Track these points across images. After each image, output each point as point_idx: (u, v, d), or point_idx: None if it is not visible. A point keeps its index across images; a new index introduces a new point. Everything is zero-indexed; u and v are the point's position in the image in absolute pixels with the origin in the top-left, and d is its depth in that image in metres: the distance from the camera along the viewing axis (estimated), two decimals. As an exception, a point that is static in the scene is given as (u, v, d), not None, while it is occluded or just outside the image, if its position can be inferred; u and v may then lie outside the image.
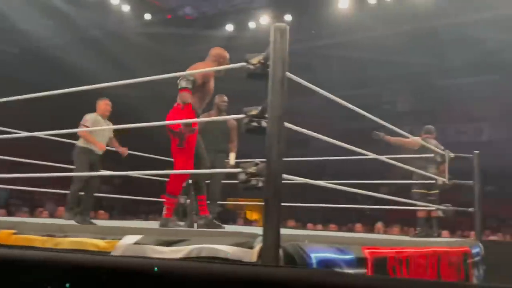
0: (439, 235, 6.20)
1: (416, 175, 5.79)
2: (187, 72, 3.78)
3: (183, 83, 3.69)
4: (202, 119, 4.70)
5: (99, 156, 4.97)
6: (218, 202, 5.21)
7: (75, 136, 5.05)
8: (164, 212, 3.99)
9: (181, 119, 3.73)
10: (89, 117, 4.96)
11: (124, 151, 5.13)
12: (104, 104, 5.10)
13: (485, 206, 5.91)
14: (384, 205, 6.04)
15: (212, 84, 3.99)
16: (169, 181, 4.06)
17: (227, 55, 4.08)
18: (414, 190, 5.97)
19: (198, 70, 3.86)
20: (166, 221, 3.96)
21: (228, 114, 5.00)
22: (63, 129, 3.94)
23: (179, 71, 3.61)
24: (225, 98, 5.25)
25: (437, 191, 5.91)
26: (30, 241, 2.93)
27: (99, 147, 4.89)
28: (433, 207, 5.68)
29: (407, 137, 5.78)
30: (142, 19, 15.05)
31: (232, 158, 5.10)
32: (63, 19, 14.35)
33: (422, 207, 5.76)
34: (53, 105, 11.20)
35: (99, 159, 4.97)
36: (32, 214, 10.31)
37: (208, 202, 4.84)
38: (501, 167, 16.16)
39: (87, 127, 4.86)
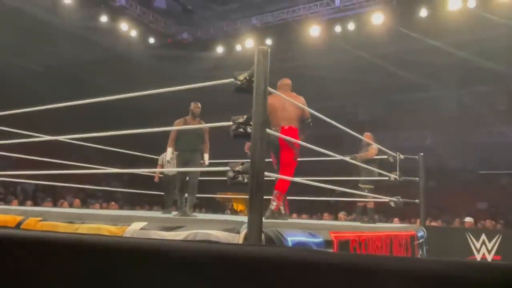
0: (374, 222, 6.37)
1: (364, 173, 5.91)
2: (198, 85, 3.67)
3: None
4: (188, 126, 4.66)
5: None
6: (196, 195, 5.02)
7: (90, 140, 4.97)
8: (273, 206, 3.97)
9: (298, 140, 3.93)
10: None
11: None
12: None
13: (427, 198, 6.00)
14: (346, 198, 6.13)
15: None
16: (283, 182, 4.04)
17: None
18: (361, 185, 6.06)
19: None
20: (273, 214, 3.95)
21: (201, 119, 4.97)
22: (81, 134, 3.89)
23: (176, 86, 3.56)
24: (199, 105, 5.03)
25: (372, 186, 5.99)
26: (54, 227, 2.89)
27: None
28: (385, 198, 5.74)
29: (370, 144, 5.94)
30: (146, 42, 14.96)
31: (206, 158, 4.93)
32: (83, 42, 14.22)
33: (371, 198, 5.86)
34: (75, 115, 11.04)
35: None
36: (55, 204, 10.16)
37: (187, 194, 4.79)
38: (440, 166, 16.45)
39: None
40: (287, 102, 3.94)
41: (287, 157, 4.10)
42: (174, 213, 5.20)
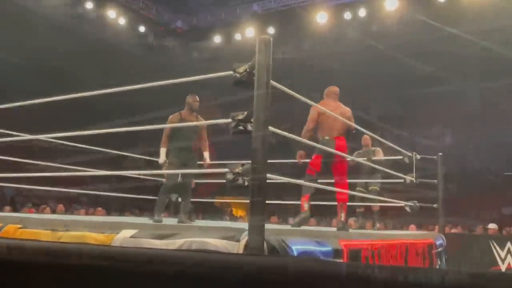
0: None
1: (375, 175, 6.12)
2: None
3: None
4: (182, 124, 4.63)
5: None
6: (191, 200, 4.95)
7: (75, 140, 4.97)
8: (343, 218, 4.51)
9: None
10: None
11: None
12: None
13: (447, 202, 5.99)
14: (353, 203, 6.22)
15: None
16: (344, 194, 4.52)
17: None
18: (370, 188, 6.23)
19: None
20: (344, 225, 4.47)
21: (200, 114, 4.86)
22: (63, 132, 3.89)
23: (169, 79, 3.56)
24: (197, 98, 4.82)
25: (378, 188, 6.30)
26: (35, 235, 2.89)
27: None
28: (401, 203, 5.76)
29: (375, 146, 6.44)
30: (136, 31, 14.98)
31: (206, 156, 4.81)
32: (66, 31, 14.25)
33: (379, 202, 6.01)
34: (53, 109, 11.06)
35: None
36: (36, 210, 10.16)
37: (180, 199, 4.79)
38: (461, 167, 16.44)
39: None
40: (338, 113, 4.35)
41: (343, 168, 4.60)
42: (169, 219, 5.19)
